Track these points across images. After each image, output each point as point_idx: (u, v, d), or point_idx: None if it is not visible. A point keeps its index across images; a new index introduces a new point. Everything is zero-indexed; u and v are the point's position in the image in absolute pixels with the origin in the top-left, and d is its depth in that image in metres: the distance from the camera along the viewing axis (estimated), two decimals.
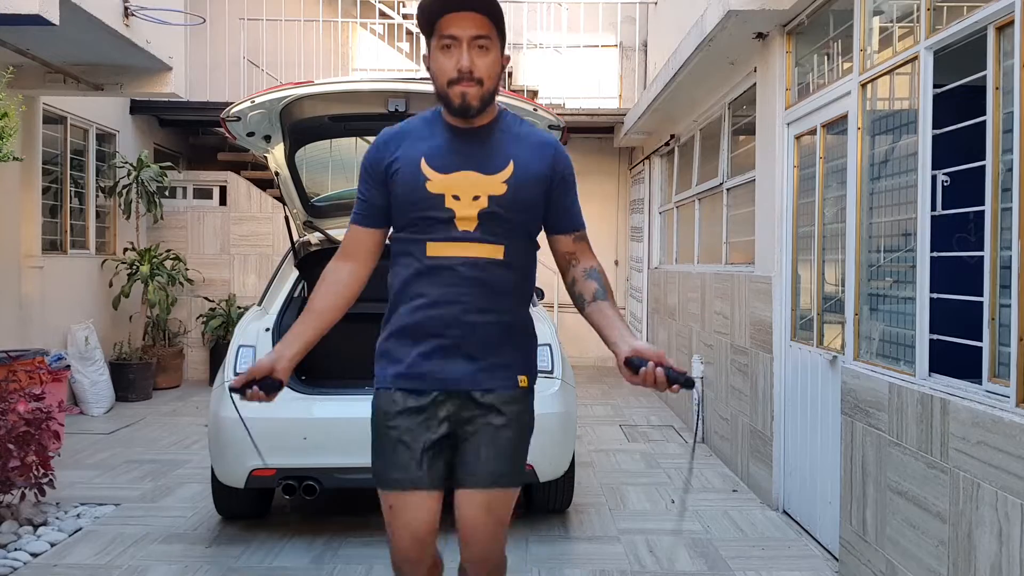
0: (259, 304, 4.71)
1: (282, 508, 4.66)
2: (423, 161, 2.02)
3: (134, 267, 8.14)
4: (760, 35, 4.86)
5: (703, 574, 3.75)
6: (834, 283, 4.05)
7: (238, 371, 3.95)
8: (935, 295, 3.07)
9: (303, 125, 4.27)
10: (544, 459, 3.84)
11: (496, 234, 2.02)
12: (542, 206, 2.11)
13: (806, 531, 4.27)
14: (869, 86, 3.63)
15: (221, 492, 4.20)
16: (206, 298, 9.05)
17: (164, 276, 8.24)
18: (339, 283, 2.12)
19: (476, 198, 2.00)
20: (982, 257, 2.73)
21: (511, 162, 2.03)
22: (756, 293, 4.98)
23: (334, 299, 2.11)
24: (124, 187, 8.21)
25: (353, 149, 4.68)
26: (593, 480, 5.22)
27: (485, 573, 2.15)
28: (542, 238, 2.20)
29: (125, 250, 8.40)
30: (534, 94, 10.11)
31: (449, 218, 2.00)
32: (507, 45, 2.05)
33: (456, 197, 2.00)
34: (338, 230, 4.77)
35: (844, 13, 3.91)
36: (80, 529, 4.23)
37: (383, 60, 10.56)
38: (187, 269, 8.77)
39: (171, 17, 6.25)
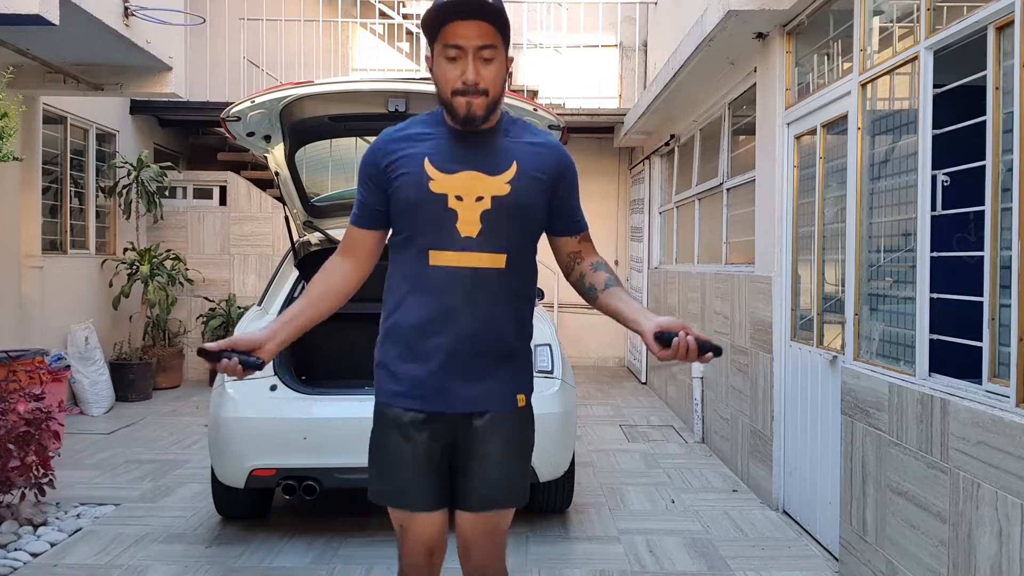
0: (259, 304, 4.72)
1: (282, 508, 4.66)
2: (426, 161, 2.00)
3: (134, 267, 8.14)
4: (760, 35, 4.86)
5: (703, 574, 3.75)
6: (834, 283, 4.05)
7: None
8: (935, 295, 3.07)
9: (303, 125, 4.27)
10: (544, 459, 3.84)
11: (498, 240, 2.00)
12: (545, 208, 2.09)
13: (806, 531, 4.27)
14: (869, 86, 3.63)
15: (221, 492, 4.19)
16: (206, 298, 9.05)
17: (164, 276, 8.24)
18: (337, 273, 2.09)
19: (479, 199, 1.98)
20: (982, 257, 2.73)
21: (514, 163, 2.02)
22: (756, 293, 4.98)
23: (330, 288, 2.08)
24: (124, 187, 8.21)
25: (353, 149, 4.68)
26: (593, 480, 5.22)
27: None
28: (543, 244, 2.18)
29: (125, 250, 8.40)
30: (534, 94, 10.11)
31: (451, 219, 1.98)
32: (509, 46, 2.04)
33: (459, 198, 1.98)
34: (338, 230, 4.77)
35: (844, 13, 3.91)
36: (80, 529, 4.23)
37: (383, 60, 10.56)
38: (187, 269, 8.76)
39: (171, 17, 6.25)
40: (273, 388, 3.91)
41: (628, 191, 10.61)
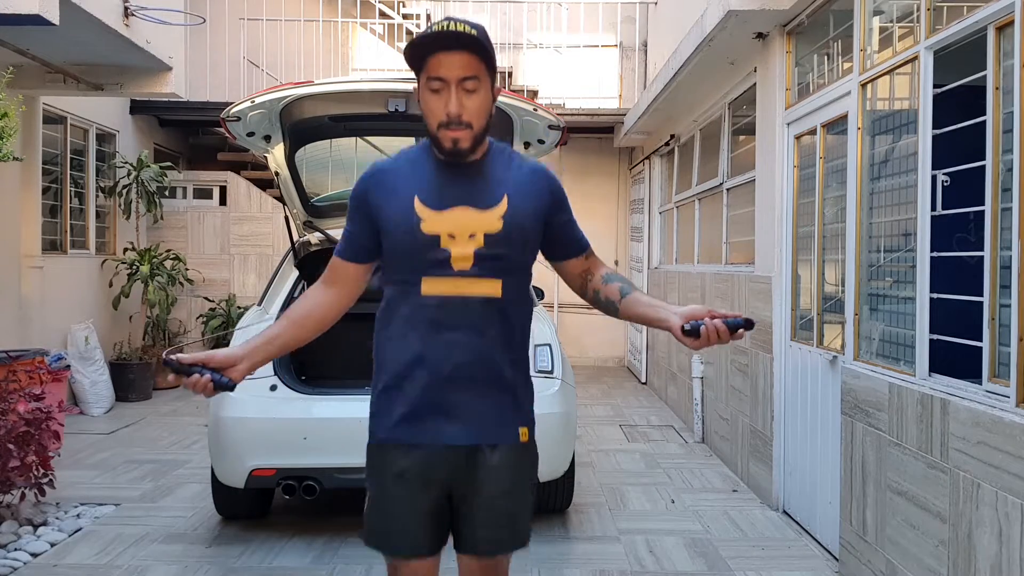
0: (259, 304, 4.72)
1: (282, 508, 4.66)
2: (416, 199, 1.96)
3: (134, 267, 8.14)
4: (760, 35, 4.86)
5: (703, 574, 3.75)
6: (834, 283, 4.05)
7: None
8: (935, 295, 3.07)
9: (303, 125, 4.27)
10: (544, 459, 3.82)
11: (492, 272, 1.96)
12: (539, 239, 2.06)
13: (806, 531, 4.27)
14: (869, 86, 3.63)
15: (221, 492, 4.20)
16: (206, 298, 9.05)
17: (164, 276, 8.24)
18: (320, 302, 2.06)
19: (472, 236, 1.94)
20: (982, 257, 2.73)
21: (505, 196, 1.98)
22: (756, 293, 4.98)
23: (311, 317, 2.04)
24: (124, 187, 8.21)
25: (353, 149, 4.68)
26: (593, 480, 5.22)
27: None
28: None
29: (125, 250, 8.40)
30: (534, 94, 10.11)
31: (445, 257, 1.94)
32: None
33: (451, 236, 1.94)
34: (338, 230, 4.76)
35: (844, 13, 3.91)
36: (80, 529, 4.23)
37: (383, 60, 10.55)
38: (187, 269, 8.76)
39: (171, 17, 6.25)
40: (273, 388, 3.92)
41: (628, 191, 10.61)
